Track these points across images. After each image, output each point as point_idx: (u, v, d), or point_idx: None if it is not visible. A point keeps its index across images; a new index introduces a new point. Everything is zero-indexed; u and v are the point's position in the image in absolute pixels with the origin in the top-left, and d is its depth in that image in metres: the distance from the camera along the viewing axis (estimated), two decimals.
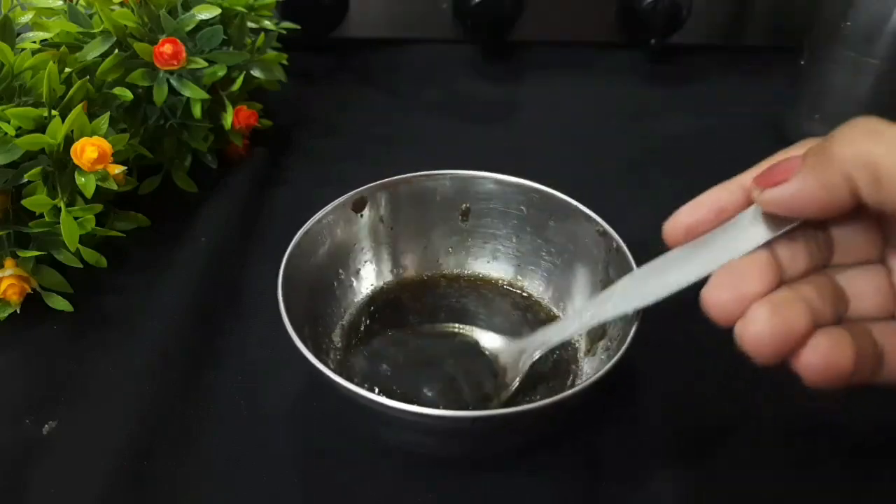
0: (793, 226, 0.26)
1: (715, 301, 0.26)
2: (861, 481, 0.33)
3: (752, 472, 0.34)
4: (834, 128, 0.49)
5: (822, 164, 0.24)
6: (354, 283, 0.40)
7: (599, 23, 0.64)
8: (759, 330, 0.25)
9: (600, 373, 0.29)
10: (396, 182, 0.40)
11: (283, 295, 0.32)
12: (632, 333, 0.31)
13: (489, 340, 0.37)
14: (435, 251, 0.42)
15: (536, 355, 0.34)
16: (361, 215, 0.39)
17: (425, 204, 0.41)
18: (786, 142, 0.30)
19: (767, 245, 0.27)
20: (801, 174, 0.25)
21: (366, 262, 0.40)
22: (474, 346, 0.36)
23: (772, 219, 0.27)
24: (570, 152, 0.55)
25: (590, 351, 0.36)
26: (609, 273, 0.36)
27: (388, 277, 0.41)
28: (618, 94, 0.62)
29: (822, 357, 0.25)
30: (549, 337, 0.34)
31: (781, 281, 0.27)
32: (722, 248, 0.28)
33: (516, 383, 0.34)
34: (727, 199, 0.28)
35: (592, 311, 0.32)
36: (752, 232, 0.27)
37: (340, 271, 0.39)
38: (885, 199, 0.23)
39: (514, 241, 0.41)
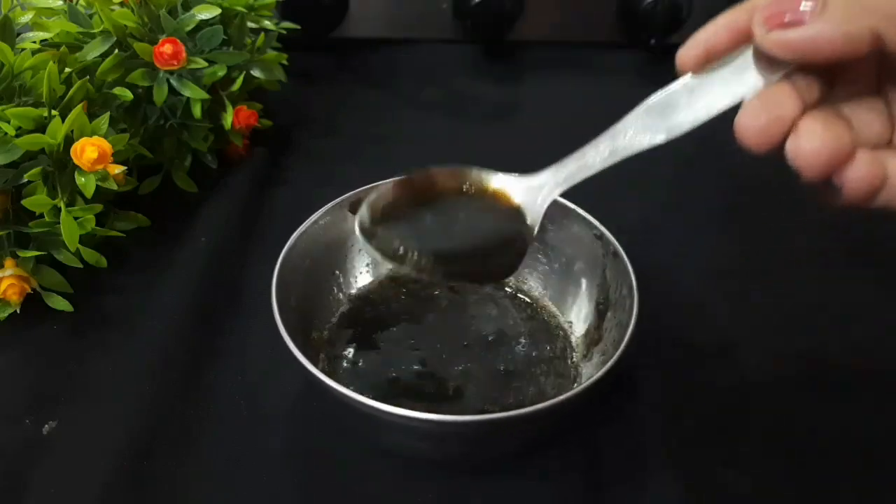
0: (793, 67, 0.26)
1: (754, 125, 0.26)
2: (861, 480, 0.33)
3: (752, 472, 0.34)
4: None
5: (850, 14, 0.23)
6: (351, 284, 0.40)
7: (599, 23, 0.64)
8: (815, 144, 0.25)
9: (594, 378, 0.29)
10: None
11: (278, 301, 0.32)
12: (626, 338, 0.30)
13: (502, 182, 0.33)
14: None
15: (556, 193, 0.31)
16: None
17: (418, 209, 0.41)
18: None
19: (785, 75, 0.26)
20: (823, 20, 0.24)
21: (362, 262, 0.40)
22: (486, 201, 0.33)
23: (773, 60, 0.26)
24: (570, 153, 0.55)
25: (586, 356, 0.36)
26: (606, 277, 0.36)
27: (383, 278, 0.41)
28: (618, 94, 0.61)
29: (865, 173, 0.25)
30: (565, 173, 0.31)
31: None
32: (737, 80, 0.27)
33: (537, 226, 0.31)
34: (745, 22, 0.27)
35: (608, 143, 0.30)
36: (761, 68, 0.26)
37: (337, 272, 0.39)
38: None
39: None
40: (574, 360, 0.37)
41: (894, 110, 0.27)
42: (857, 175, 0.25)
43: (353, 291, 0.40)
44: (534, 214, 0.31)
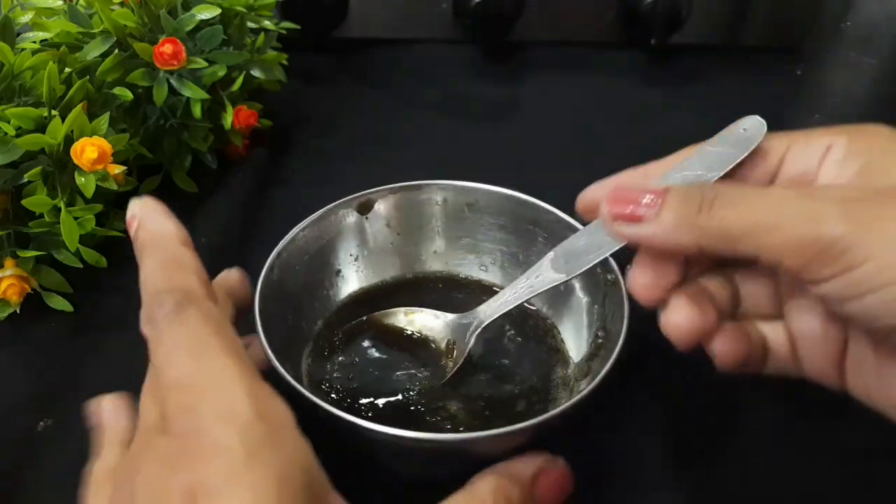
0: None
1: (640, 284, 0.29)
2: (862, 480, 0.33)
3: (751, 474, 0.34)
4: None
5: (681, 226, 0.26)
6: (341, 287, 0.40)
7: (599, 23, 0.64)
8: (680, 319, 0.28)
9: (572, 401, 0.29)
10: (398, 189, 0.40)
11: (262, 319, 0.32)
12: (613, 359, 0.30)
13: (436, 322, 0.37)
14: (432, 261, 0.42)
15: (479, 330, 0.35)
16: (366, 218, 0.39)
17: (427, 213, 0.41)
18: None
19: None
20: (656, 225, 0.27)
21: (355, 266, 0.40)
22: (423, 335, 0.37)
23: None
24: (570, 153, 0.55)
25: (573, 388, 0.35)
26: (605, 305, 0.35)
27: (374, 281, 0.41)
28: (618, 94, 0.62)
29: (729, 346, 0.28)
30: (488, 312, 0.35)
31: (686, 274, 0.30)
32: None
33: (461, 360, 0.35)
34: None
35: (525, 283, 0.34)
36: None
37: (328, 276, 0.39)
38: (744, 244, 0.26)
39: (520, 258, 0.40)
40: (566, 383, 0.36)
41: (783, 285, 0.29)
42: (722, 348, 0.28)
43: (343, 298, 0.40)
44: (461, 348, 0.35)
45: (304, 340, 0.37)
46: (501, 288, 0.41)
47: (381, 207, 0.40)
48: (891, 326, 0.24)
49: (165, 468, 0.21)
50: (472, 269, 0.42)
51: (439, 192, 0.40)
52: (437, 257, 0.42)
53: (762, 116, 0.34)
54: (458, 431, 0.33)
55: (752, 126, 0.33)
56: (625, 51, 0.65)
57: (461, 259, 0.42)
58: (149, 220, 0.28)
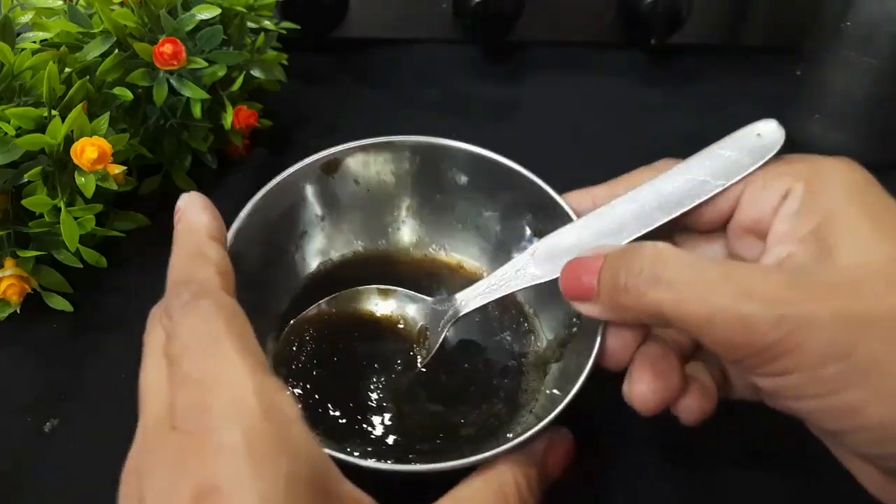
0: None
1: (608, 352, 0.30)
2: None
3: (749, 474, 0.34)
4: (834, 128, 0.49)
5: (613, 306, 0.27)
6: (308, 250, 0.39)
7: (599, 23, 0.64)
8: (644, 390, 0.28)
9: (538, 427, 0.28)
10: (367, 146, 0.38)
11: None
12: (587, 370, 0.30)
13: (411, 305, 0.36)
14: (405, 220, 0.41)
15: (453, 321, 0.34)
16: (332, 177, 0.39)
17: (399, 171, 0.39)
18: (786, 141, 0.30)
19: None
20: (599, 305, 0.28)
21: (322, 226, 0.40)
22: (394, 317, 0.36)
23: None
24: (570, 152, 0.55)
25: (545, 370, 0.35)
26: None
27: (344, 250, 0.40)
28: (618, 94, 0.62)
29: (695, 406, 0.29)
30: (464, 302, 0.34)
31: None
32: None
33: (435, 348, 0.34)
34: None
35: (505, 276, 0.33)
36: None
37: (294, 240, 0.39)
38: (679, 327, 0.26)
39: (498, 218, 0.39)
40: (539, 364, 0.36)
41: None
42: (688, 409, 0.29)
43: (312, 268, 0.39)
44: (434, 336, 0.34)
45: (271, 318, 0.36)
46: (475, 257, 0.40)
47: (349, 166, 0.39)
48: (831, 430, 0.24)
49: (175, 468, 0.21)
50: (448, 228, 0.41)
51: (411, 150, 0.39)
52: (411, 216, 0.41)
53: (762, 116, 0.33)
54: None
55: (767, 132, 0.30)
56: (625, 51, 0.65)
57: (435, 218, 0.40)
58: (188, 212, 0.29)
